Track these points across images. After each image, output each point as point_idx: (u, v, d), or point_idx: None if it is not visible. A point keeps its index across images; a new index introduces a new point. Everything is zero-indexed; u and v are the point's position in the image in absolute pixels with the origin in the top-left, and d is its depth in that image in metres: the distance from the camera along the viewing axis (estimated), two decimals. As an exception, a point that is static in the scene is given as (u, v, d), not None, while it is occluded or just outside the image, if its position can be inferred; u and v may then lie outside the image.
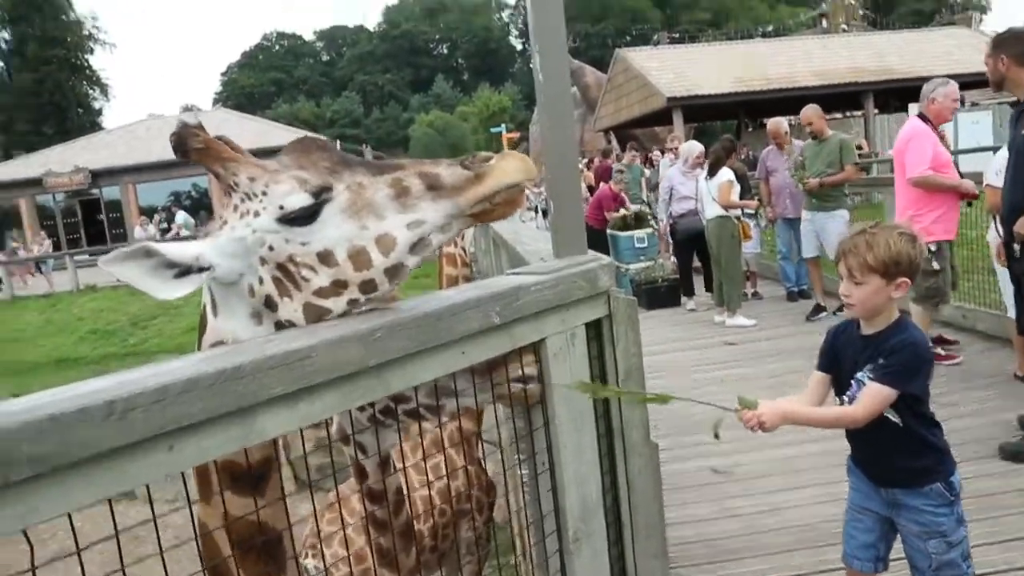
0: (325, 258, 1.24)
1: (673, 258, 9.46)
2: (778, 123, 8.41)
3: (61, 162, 32.23)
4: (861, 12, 47.68)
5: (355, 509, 2.79)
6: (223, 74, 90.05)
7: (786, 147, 8.15)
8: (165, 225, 23.43)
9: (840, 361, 2.21)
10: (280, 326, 1.28)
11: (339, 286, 1.25)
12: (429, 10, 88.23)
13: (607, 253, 9.23)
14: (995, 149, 7.98)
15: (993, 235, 4.69)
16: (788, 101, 22.93)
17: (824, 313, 7.21)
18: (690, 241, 8.51)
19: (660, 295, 8.85)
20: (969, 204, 5.45)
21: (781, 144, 8.21)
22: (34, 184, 31.33)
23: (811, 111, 7.40)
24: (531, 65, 1.63)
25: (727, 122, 32.28)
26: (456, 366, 1.35)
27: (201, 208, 30.11)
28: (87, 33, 70.94)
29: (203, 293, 1.34)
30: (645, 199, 11.27)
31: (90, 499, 0.90)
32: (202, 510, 1.31)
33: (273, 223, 1.24)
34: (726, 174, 7.51)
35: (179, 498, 1.22)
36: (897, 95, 23.60)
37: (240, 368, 1.01)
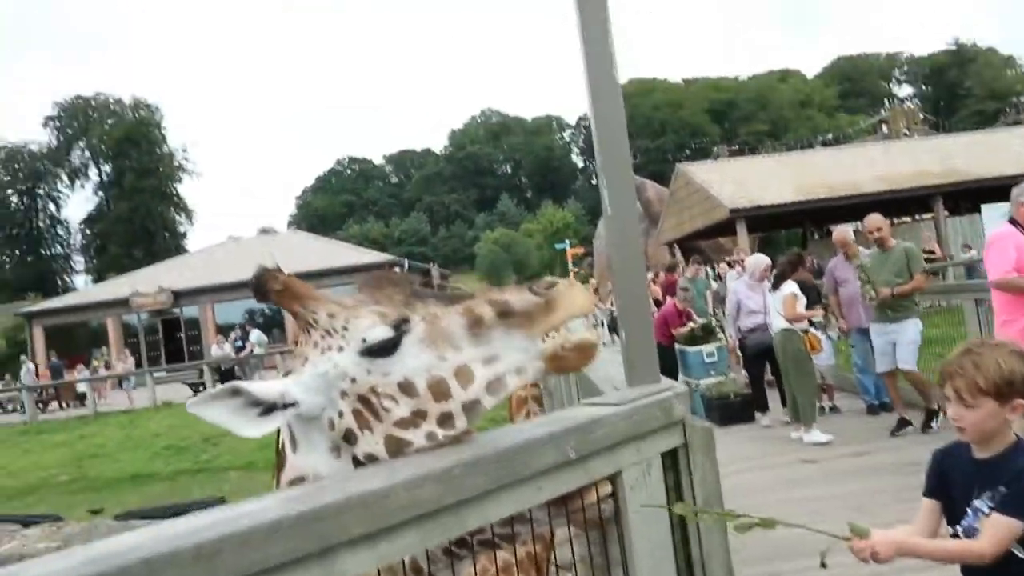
0: (406, 388, 1.27)
1: (745, 372, 9.22)
2: (844, 232, 8.31)
3: (147, 283, 34.10)
4: (922, 116, 47.75)
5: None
6: (298, 197, 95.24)
7: (854, 256, 8.00)
8: (240, 343, 24.18)
9: (950, 487, 2.02)
10: (358, 461, 1.29)
11: (418, 416, 1.27)
12: (493, 132, 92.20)
13: (675, 369, 9.17)
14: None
15: None
16: (853, 208, 22.78)
17: (910, 428, 6.85)
18: (760, 355, 8.30)
19: (733, 411, 8.58)
20: None
21: (849, 253, 8.05)
22: (121, 304, 33.10)
23: (879, 219, 7.28)
24: (601, 202, 1.68)
25: (792, 231, 32.10)
26: (532, 502, 1.33)
27: (274, 326, 31.09)
28: (177, 164, 76.45)
29: (281, 430, 1.37)
30: (712, 312, 11.13)
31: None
32: None
33: (356, 356, 1.28)
34: (790, 287, 7.41)
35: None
36: (967, 196, 23.20)
37: (322, 509, 1.03)
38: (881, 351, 7.06)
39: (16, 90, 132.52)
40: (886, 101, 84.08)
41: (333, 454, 1.31)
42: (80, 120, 76.28)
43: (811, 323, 7.50)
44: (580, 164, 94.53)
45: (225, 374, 22.74)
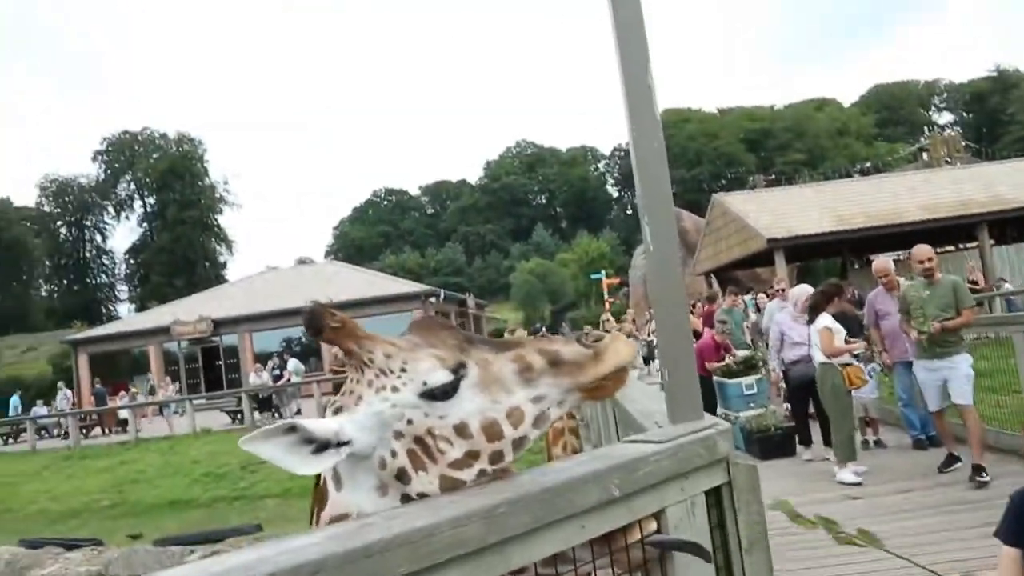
0: (461, 430, 1.30)
1: (786, 405, 9.04)
2: (885, 262, 8.17)
3: (187, 312, 34.80)
4: (963, 144, 46.91)
5: None
6: (335, 228, 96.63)
7: (894, 288, 7.83)
8: (278, 372, 24.45)
9: None
10: (407, 499, 1.30)
11: (471, 457, 1.30)
12: (528, 163, 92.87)
13: (713, 401, 9.04)
14: None
15: None
16: (894, 237, 22.44)
17: (959, 464, 6.61)
18: (804, 388, 8.05)
19: (774, 444, 8.41)
20: None
21: (891, 285, 7.89)
22: (163, 332, 33.79)
23: (928, 250, 6.95)
24: (641, 234, 1.68)
25: (830, 261, 31.65)
26: (575, 540, 1.31)
27: (311, 355, 31.40)
28: (218, 196, 78.35)
29: None
30: (750, 343, 10.98)
31: None
32: None
33: (414, 398, 1.30)
34: (823, 320, 7.18)
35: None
36: (1014, 225, 22.70)
37: (368, 547, 1.02)
38: (930, 388, 6.76)
39: (67, 125, 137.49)
40: (925, 129, 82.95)
41: (379, 492, 1.31)
42: (127, 154, 78.84)
43: (855, 356, 7.27)
44: (615, 194, 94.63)
45: (263, 402, 22.99)
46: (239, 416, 22.68)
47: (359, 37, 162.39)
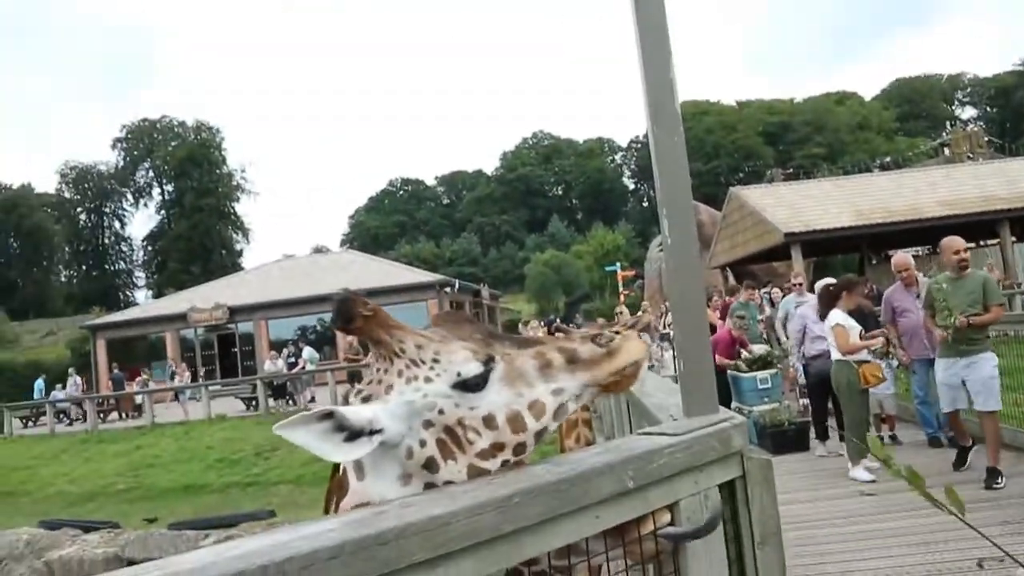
0: (488, 421, 1.33)
1: (803, 400, 8.98)
2: (905, 257, 8.04)
3: (204, 299, 35.08)
4: (987, 139, 46.26)
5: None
6: (351, 217, 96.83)
7: (913, 285, 7.71)
8: (293, 359, 24.60)
9: None
10: (430, 488, 1.31)
11: (496, 448, 1.34)
12: (544, 154, 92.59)
13: (728, 394, 9.00)
14: None
15: None
16: (913, 233, 22.20)
17: (973, 447, 6.52)
18: (823, 383, 7.85)
19: (787, 439, 8.37)
20: None
21: (910, 281, 7.78)
22: (179, 319, 34.08)
23: (961, 241, 6.63)
24: (657, 230, 1.68)
25: (848, 256, 31.38)
26: (589, 531, 1.32)
27: (325, 343, 31.55)
28: (236, 184, 78.73)
29: None
30: (764, 337, 10.90)
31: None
32: None
33: (447, 388, 1.33)
34: (834, 317, 7.08)
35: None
36: (1037, 221, 22.40)
37: (384, 534, 1.03)
38: (947, 387, 6.47)
39: (88, 113, 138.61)
40: (948, 123, 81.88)
41: (401, 481, 1.32)
42: (145, 142, 79.33)
43: (872, 352, 7.19)
44: (631, 186, 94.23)
45: (277, 389, 23.14)
46: (254, 403, 22.86)
47: (380, 26, 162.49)
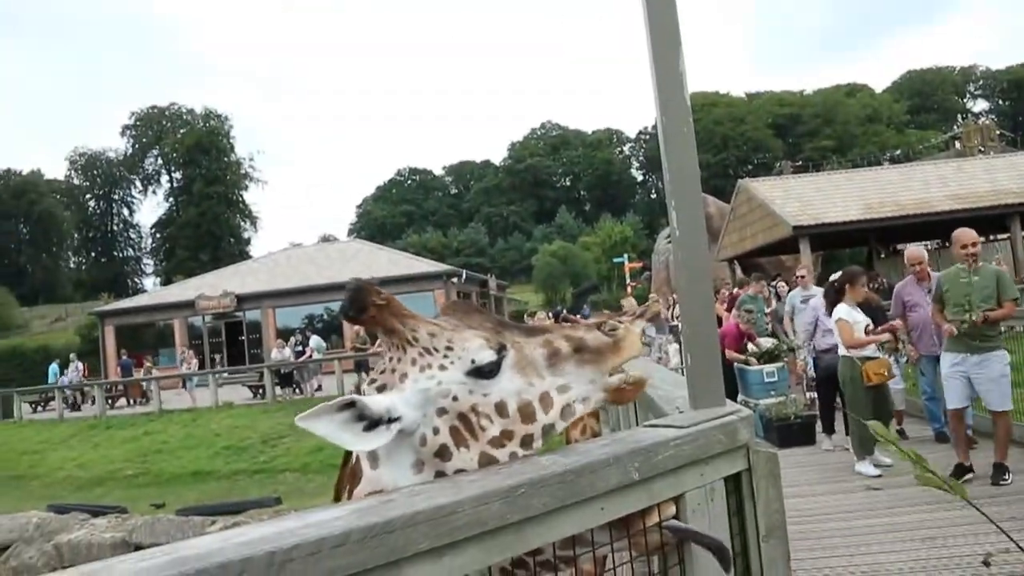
0: (500, 409, 1.34)
1: (809, 394, 8.96)
2: (919, 251, 7.89)
3: (212, 287, 35.19)
4: (999, 132, 45.87)
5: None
6: (358, 207, 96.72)
7: (925, 279, 7.59)
8: (300, 348, 24.68)
9: None
10: (441, 476, 1.31)
11: (505, 437, 1.34)
12: (552, 145, 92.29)
13: (734, 387, 8.99)
14: None
15: None
16: (923, 227, 22.07)
17: (971, 475, 6.08)
18: (832, 377, 7.70)
19: (793, 433, 8.37)
20: None
21: (923, 275, 7.62)
22: (188, 306, 34.20)
23: (974, 234, 6.42)
24: (668, 220, 1.67)
25: (857, 250, 31.24)
26: (594, 522, 1.33)
27: (332, 332, 31.62)
28: (244, 172, 78.84)
29: None
30: (770, 331, 10.88)
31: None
32: None
33: (461, 375, 1.34)
34: (839, 312, 6.96)
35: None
36: (1048, 216, 22.19)
37: (390, 522, 1.04)
38: (953, 383, 6.23)
39: (98, 100, 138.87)
40: (959, 116, 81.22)
41: (415, 469, 1.33)
42: (154, 129, 79.49)
43: (879, 347, 7.09)
44: (639, 178, 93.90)
45: (284, 378, 23.23)
46: (261, 391, 22.96)
47: (389, 14, 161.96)
